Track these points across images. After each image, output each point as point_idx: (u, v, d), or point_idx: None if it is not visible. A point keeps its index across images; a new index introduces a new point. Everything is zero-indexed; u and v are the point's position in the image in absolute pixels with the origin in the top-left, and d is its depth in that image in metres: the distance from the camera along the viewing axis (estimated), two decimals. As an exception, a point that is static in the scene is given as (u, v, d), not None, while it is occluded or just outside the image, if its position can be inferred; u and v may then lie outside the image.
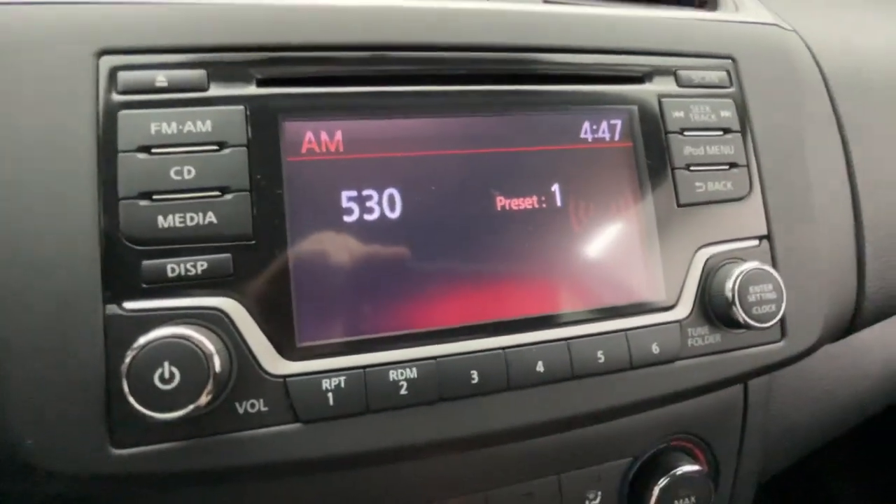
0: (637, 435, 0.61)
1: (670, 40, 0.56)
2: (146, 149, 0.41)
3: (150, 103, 0.42)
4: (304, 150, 0.45)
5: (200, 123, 0.42)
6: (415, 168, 0.47)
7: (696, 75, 0.56)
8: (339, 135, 0.46)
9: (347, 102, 0.46)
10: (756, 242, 0.55)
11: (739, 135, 0.56)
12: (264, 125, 0.44)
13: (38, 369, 0.39)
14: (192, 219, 0.41)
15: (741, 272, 0.50)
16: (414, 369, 0.44)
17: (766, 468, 0.77)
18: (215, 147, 0.43)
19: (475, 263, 0.48)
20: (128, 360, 0.37)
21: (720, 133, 0.55)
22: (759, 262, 0.52)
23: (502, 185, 0.49)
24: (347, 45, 0.47)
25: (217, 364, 0.38)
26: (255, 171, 0.43)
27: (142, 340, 0.37)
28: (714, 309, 0.52)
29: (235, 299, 0.42)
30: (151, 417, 0.37)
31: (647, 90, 0.54)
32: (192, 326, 0.39)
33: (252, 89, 0.44)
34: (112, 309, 0.40)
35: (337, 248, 0.45)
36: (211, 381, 0.38)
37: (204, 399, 0.37)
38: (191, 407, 0.37)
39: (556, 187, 0.50)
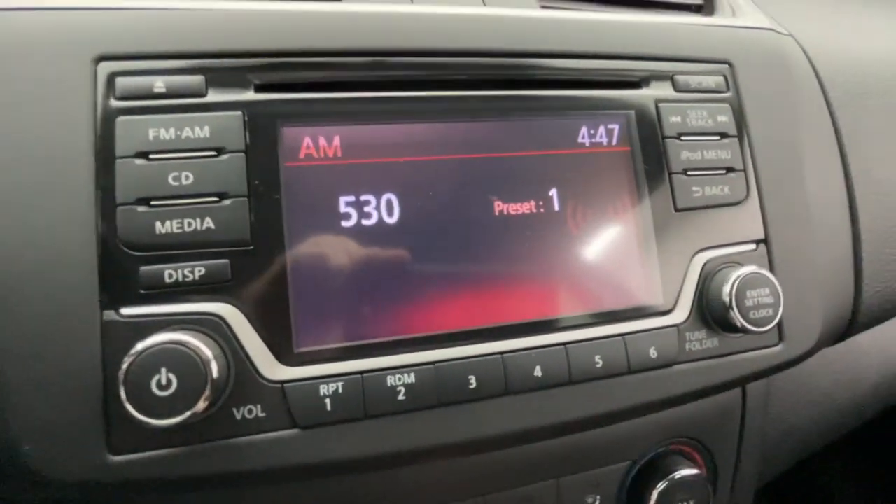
0: (635, 439, 0.61)
1: (667, 45, 0.56)
2: (144, 154, 0.41)
3: (148, 109, 0.42)
4: (302, 156, 0.45)
5: (198, 129, 0.42)
6: (412, 173, 0.47)
7: (693, 80, 0.56)
8: (337, 140, 0.46)
9: (345, 108, 0.47)
10: (753, 246, 0.55)
11: (736, 139, 0.56)
12: (262, 130, 0.44)
13: (36, 375, 0.38)
14: (189, 224, 0.41)
15: (738, 276, 0.50)
16: (412, 374, 0.44)
17: (764, 471, 0.77)
18: (213, 153, 0.43)
19: (473, 268, 0.48)
20: (125, 366, 0.37)
21: (717, 138, 0.56)
22: (757, 266, 0.52)
23: (500, 189, 0.49)
24: (345, 51, 0.47)
25: (214, 370, 0.38)
26: (254, 177, 0.43)
27: (139, 346, 0.37)
28: (711, 313, 0.52)
29: (233, 305, 0.42)
30: (149, 424, 0.36)
31: (645, 95, 0.54)
32: (189, 332, 0.39)
33: (250, 95, 0.44)
34: (109, 315, 0.40)
35: (335, 253, 0.45)
36: (208, 387, 0.38)
37: (201, 405, 0.37)
38: (188, 413, 0.37)
39: (553, 192, 0.50)
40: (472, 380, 0.45)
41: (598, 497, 0.60)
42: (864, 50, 0.73)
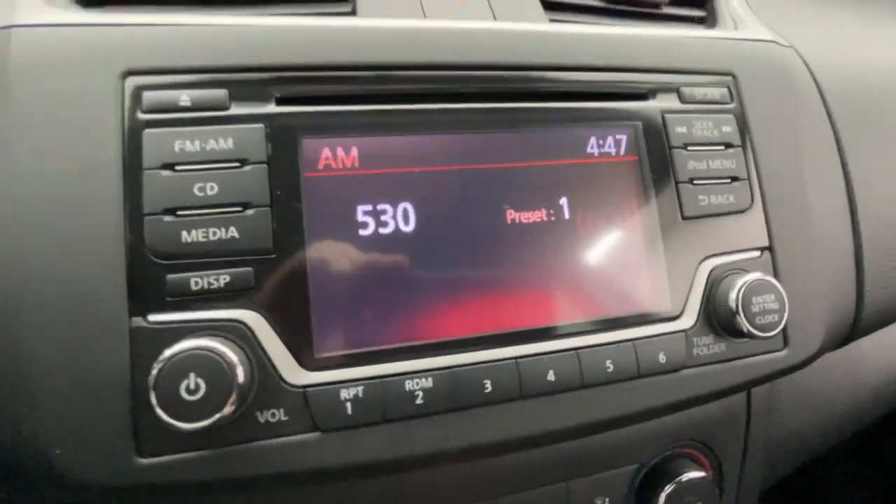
0: (643, 442, 0.63)
1: (673, 58, 0.58)
2: (170, 166, 0.43)
3: (173, 122, 0.43)
4: (321, 167, 0.46)
5: (222, 141, 0.44)
6: (428, 183, 0.49)
7: (698, 92, 0.58)
8: (354, 151, 0.47)
9: (363, 120, 0.48)
10: (758, 254, 0.56)
11: (740, 149, 0.58)
12: (283, 142, 0.45)
13: (66, 381, 0.40)
14: (214, 234, 0.42)
15: (744, 283, 0.52)
16: (429, 379, 0.45)
17: (767, 475, 0.78)
18: (237, 164, 0.44)
19: (487, 274, 0.49)
20: (155, 371, 0.38)
21: (722, 148, 0.57)
22: (762, 272, 0.53)
23: (512, 198, 0.50)
24: (363, 65, 0.48)
25: (240, 375, 0.39)
26: (275, 187, 0.44)
27: (167, 353, 0.38)
28: (718, 318, 0.53)
29: (256, 311, 0.43)
30: (178, 427, 0.38)
31: (651, 106, 0.56)
32: (215, 338, 0.40)
33: (271, 108, 0.46)
34: (138, 322, 0.41)
35: (353, 260, 0.46)
36: (235, 391, 0.39)
37: (228, 409, 0.38)
38: (216, 416, 0.38)
39: (564, 201, 0.51)
40: (488, 384, 0.46)
41: (608, 499, 0.61)
42: (864, 62, 0.75)
